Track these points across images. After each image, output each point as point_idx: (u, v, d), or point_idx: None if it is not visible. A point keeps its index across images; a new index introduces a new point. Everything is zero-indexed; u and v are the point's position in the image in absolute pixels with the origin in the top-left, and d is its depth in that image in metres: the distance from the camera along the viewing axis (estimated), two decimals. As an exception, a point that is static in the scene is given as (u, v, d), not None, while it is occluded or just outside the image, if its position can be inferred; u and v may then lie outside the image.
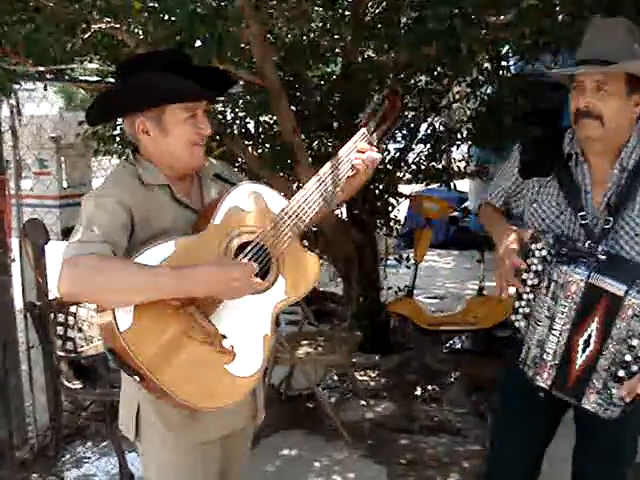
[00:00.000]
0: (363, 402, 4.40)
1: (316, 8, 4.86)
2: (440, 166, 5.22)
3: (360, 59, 4.66)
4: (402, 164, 4.96)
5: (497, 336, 5.50)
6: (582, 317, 1.96)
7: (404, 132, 5.00)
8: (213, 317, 1.82)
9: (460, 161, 5.45)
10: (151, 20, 2.90)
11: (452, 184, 5.29)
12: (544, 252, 2.01)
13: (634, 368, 1.91)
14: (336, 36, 4.70)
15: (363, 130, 2.10)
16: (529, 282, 2.05)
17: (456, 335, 5.53)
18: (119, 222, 1.79)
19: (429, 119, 5.12)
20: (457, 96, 5.33)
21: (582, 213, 2.07)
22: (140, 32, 3.24)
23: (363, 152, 2.05)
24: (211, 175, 2.07)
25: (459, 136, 5.22)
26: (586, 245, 2.01)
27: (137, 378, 1.71)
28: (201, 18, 2.60)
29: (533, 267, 2.03)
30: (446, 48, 3.08)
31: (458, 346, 5.49)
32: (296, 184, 4.56)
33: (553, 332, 1.99)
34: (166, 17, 3.04)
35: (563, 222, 2.13)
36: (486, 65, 4.72)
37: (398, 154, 4.96)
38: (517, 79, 5.04)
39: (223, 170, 2.13)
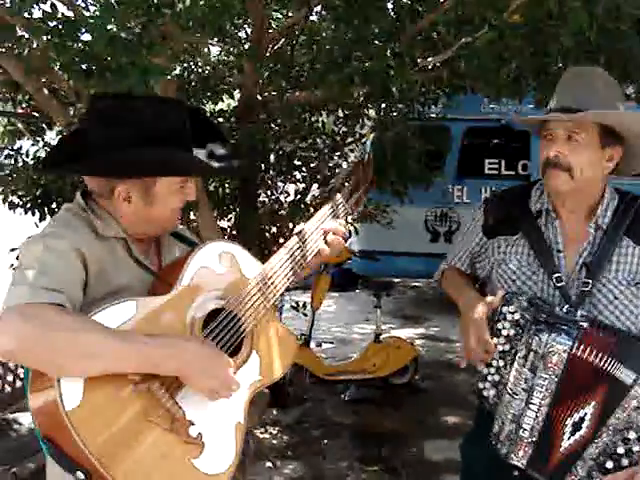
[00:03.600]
0: (269, 464, 4.07)
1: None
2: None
3: (259, 97, 4.43)
4: (302, 206, 4.76)
5: (394, 384, 5.39)
6: (570, 393, 1.76)
7: (304, 174, 4.79)
8: (179, 398, 1.49)
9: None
10: (54, 44, 2.49)
11: (354, 227, 5.14)
12: (517, 316, 1.81)
13: (624, 462, 1.72)
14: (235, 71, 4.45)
15: (339, 196, 1.95)
16: (499, 347, 1.84)
17: (353, 384, 5.33)
18: (76, 272, 1.50)
19: (331, 162, 4.96)
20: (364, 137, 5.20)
21: (557, 275, 1.90)
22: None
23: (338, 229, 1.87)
24: (169, 234, 1.79)
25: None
26: (564, 310, 1.82)
27: (81, 475, 1.35)
28: (124, 45, 2.27)
29: (504, 331, 1.83)
30: (379, 88, 2.90)
31: (356, 396, 5.29)
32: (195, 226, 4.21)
33: (531, 406, 1.78)
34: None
35: (535, 283, 1.95)
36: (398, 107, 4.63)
37: (299, 196, 4.75)
38: (419, 122, 5.00)
39: (180, 229, 1.86)
